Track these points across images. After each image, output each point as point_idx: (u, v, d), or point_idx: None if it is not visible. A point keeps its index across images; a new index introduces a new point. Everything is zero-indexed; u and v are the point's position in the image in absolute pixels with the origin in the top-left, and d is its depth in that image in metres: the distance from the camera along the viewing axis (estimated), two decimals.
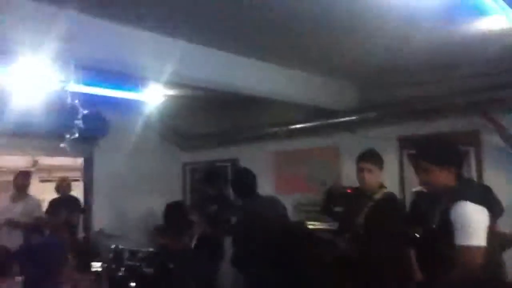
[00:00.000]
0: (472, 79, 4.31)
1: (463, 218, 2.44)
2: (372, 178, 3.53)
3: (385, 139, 4.95)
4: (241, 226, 4.05)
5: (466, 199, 2.46)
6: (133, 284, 4.18)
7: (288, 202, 5.18)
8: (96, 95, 4.87)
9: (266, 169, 5.87)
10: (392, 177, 4.92)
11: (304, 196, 5.63)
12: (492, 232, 2.51)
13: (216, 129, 6.44)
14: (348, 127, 5.27)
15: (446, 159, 2.63)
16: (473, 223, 2.43)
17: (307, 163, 5.73)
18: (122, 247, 4.65)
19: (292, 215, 5.28)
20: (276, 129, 5.74)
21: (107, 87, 4.93)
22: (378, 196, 3.53)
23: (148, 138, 6.40)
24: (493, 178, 4.22)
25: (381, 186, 3.59)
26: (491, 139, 4.43)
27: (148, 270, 4.21)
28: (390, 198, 3.55)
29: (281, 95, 4.67)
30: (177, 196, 6.27)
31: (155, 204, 6.00)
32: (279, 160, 5.95)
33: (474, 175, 4.45)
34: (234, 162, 6.37)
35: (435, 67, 4.41)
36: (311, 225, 5.01)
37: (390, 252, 3.27)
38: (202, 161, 6.44)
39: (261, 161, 6.02)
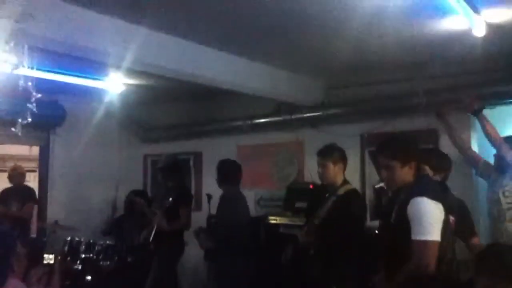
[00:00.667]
0: (434, 79, 4.41)
1: (418, 213, 2.47)
2: (331, 173, 3.55)
3: (348, 136, 5.00)
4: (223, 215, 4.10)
5: (422, 194, 2.50)
6: (89, 277, 4.05)
7: (251, 196, 5.19)
8: (54, 81, 4.68)
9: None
10: (354, 174, 4.98)
11: (267, 191, 5.62)
12: (448, 228, 2.57)
13: (179, 121, 6.33)
14: (312, 122, 5.29)
15: (405, 155, 2.67)
16: (428, 218, 2.46)
17: (271, 158, 5.72)
18: (78, 239, 4.50)
19: (254, 209, 5.27)
20: (240, 122, 5.69)
21: (66, 74, 4.74)
22: (340, 192, 3.55)
23: (108, 128, 6.23)
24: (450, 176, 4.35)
25: (344, 182, 3.61)
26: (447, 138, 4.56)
27: (105, 263, 4.10)
28: (352, 194, 3.58)
29: (246, 88, 4.63)
30: (137, 188, 6.12)
31: (113, 196, 5.87)
32: (243, 154, 5.90)
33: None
34: (196, 155, 6.28)
35: (400, 66, 4.49)
36: (273, 220, 5.01)
37: (347, 248, 3.31)
38: (164, 153, 6.30)
39: (224, 155, 5.95)
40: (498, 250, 2.21)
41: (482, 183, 4.34)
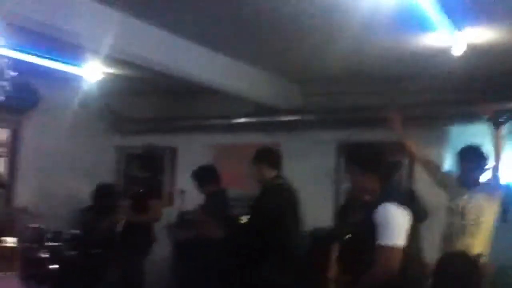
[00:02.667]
0: (410, 94, 4.50)
1: (383, 219, 2.52)
2: (259, 174, 3.81)
3: (323, 143, 5.06)
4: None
5: (388, 201, 2.56)
6: (54, 266, 3.95)
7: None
8: (30, 64, 4.54)
9: (203, 161, 5.78)
10: (326, 179, 5.04)
11: (241, 191, 5.60)
12: (416, 235, 2.62)
13: (156, 114, 6.25)
14: (290, 127, 5.32)
15: (371, 165, 2.74)
16: (393, 223, 2.51)
17: (246, 159, 5.70)
18: (44, 227, 4.38)
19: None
20: (217, 121, 5.67)
21: (42, 57, 4.61)
22: (267, 185, 3.80)
23: (82, 116, 6.08)
24: (422, 188, 4.45)
25: (275, 177, 3.80)
26: (422, 152, 4.64)
27: (71, 253, 4.01)
28: (276, 185, 3.76)
29: (226, 86, 4.61)
30: (107, 180, 6.01)
31: (83, 186, 5.75)
32: (218, 154, 5.88)
33: (404, 184, 4.65)
34: (171, 150, 6.22)
35: (378, 79, 4.56)
36: (244, 219, 5.00)
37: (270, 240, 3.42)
38: (138, 146, 6.21)
39: (199, 153, 5.93)
40: (455, 259, 2.27)
41: None
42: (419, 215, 2.74)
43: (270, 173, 3.78)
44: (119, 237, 4.32)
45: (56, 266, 3.91)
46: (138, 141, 6.11)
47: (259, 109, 5.38)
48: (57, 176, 5.80)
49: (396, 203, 2.56)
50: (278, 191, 3.75)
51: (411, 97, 4.49)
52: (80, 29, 3.28)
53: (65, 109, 5.57)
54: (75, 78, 5.19)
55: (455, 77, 4.18)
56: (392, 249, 2.50)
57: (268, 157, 3.87)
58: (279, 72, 4.79)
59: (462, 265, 2.23)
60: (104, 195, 5.25)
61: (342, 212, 4.02)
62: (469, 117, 4.42)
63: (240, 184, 5.57)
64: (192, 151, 5.89)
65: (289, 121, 5.23)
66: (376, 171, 2.73)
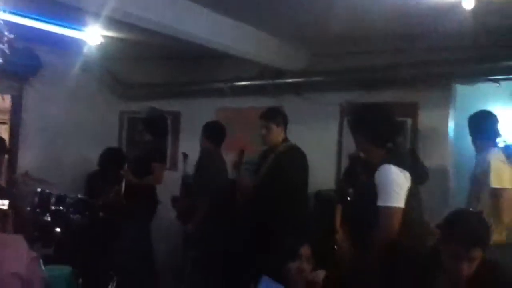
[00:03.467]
0: (420, 53, 4.39)
1: (383, 180, 2.55)
2: (271, 135, 3.79)
3: (328, 104, 4.99)
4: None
5: (388, 162, 2.58)
6: (58, 229, 3.98)
7: (228, 160, 5.16)
8: (30, 28, 4.46)
9: None
10: (330, 142, 5.01)
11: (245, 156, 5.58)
12: (415, 198, 2.62)
13: (159, 79, 6.18)
14: (294, 89, 5.24)
15: (374, 129, 2.72)
16: (392, 184, 2.53)
17: (250, 122, 5.65)
18: (48, 191, 4.40)
19: (230, 174, 5.25)
20: (221, 85, 5.59)
21: (42, 21, 4.52)
22: (280, 149, 3.74)
23: (85, 82, 6.03)
24: (423, 148, 4.43)
25: (284, 140, 3.81)
26: (428, 113, 4.59)
27: (76, 217, 4.04)
28: (290, 149, 3.66)
29: (231, 49, 4.49)
30: (111, 145, 6.00)
31: (87, 151, 5.75)
32: (222, 118, 5.82)
33: (408, 144, 4.61)
34: (175, 115, 6.18)
35: (386, 38, 4.44)
36: None
37: (286, 208, 3.35)
38: (140, 111, 6.17)
39: (203, 117, 5.87)
40: (465, 217, 2.25)
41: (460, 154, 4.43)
42: (420, 176, 2.73)
43: (280, 134, 3.73)
44: (123, 201, 4.32)
45: (60, 229, 3.93)
46: (141, 107, 6.07)
47: (263, 71, 5.29)
48: (61, 142, 5.81)
49: (395, 165, 2.56)
50: (294, 155, 3.70)
51: (419, 55, 4.38)
52: None
53: (67, 75, 5.53)
54: (77, 43, 5.11)
55: (466, 34, 4.04)
56: (390, 209, 2.51)
57: (277, 117, 3.81)
58: (283, 33, 4.68)
59: (472, 219, 2.21)
60: (111, 160, 5.25)
61: (347, 175, 4.01)
62: (479, 76, 4.33)
63: (245, 148, 5.54)
64: (195, 116, 5.84)
65: (293, 82, 5.14)
66: (379, 134, 2.72)
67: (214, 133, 4.44)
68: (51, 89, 5.63)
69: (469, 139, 5.26)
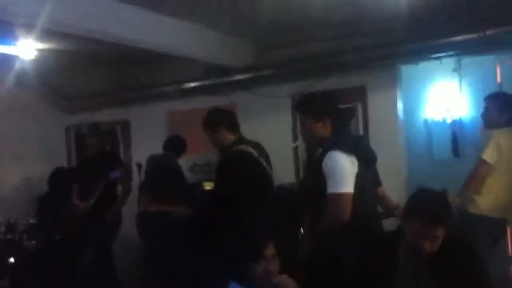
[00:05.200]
0: (362, 37, 4.45)
1: (329, 167, 2.54)
2: (217, 138, 3.47)
3: (279, 97, 4.97)
4: None
5: (335, 148, 2.56)
6: (12, 260, 3.75)
7: (184, 164, 5.05)
8: None
9: (158, 130, 5.61)
10: (285, 135, 5.00)
11: (200, 157, 5.49)
12: (364, 181, 2.62)
13: (103, 88, 5.94)
14: (244, 85, 5.18)
15: (319, 111, 2.71)
16: (338, 171, 2.52)
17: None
18: None
19: (188, 176, 5.14)
20: (169, 88, 5.46)
21: None
22: (225, 153, 3.47)
23: (24, 99, 5.73)
24: (377, 132, 4.50)
25: (237, 141, 3.45)
26: (376, 95, 4.67)
27: (30, 244, 3.82)
28: (234, 153, 3.41)
29: (174, 49, 4.37)
30: (61, 163, 5.75)
31: (35, 172, 5.48)
32: (173, 121, 5.70)
33: (361, 129, 4.68)
34: (124, 124, 5.99)
35: (328, 24, 4.46)
36: (207, 185, 4.92)
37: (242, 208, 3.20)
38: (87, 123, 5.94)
39: (153, 123, 5.73)
40: (427, 195, 2.28)
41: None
42: (367, 159, 2.72)
43: (227, 137, 3.42)
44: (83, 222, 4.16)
45: (14, 259, 3.71)
46: (89, 119, 5.84)
47: (209, 70, 5.19)
48: (5, 163, 5.49)
49: (342, 150, 2.55)
50: (237, 158, 3.47)
51: (362, 40, 4.43)
52: (7, 4, 2.98)
53: (3, 93, 5.22)
54: (10, 59, 4.82)
55: (405, 15, 4.12)
56: (338, 196, 2.50)
57: (223, 119, 3.48)
58: (227, 29, 4.60)
59: (434, 198, 2.24)
60: (62, 179, 5.02)
61: (306, 165, 3.99)
62: (423, 55, 4.43)
63: (198, 149, 5.45)
64: (146, 122, 5.69)
65: (242, 78, 5.08)
66: (326, 117, 2.70)
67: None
68: None
69: (418, 117, 5.44)
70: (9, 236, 3.97)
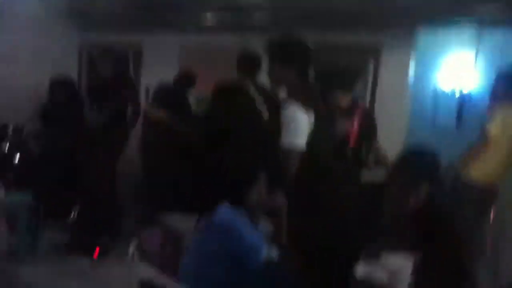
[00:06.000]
0: None
1: (286, 120, 2.48)
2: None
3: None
4: None
5: (289, 101, 2.51)
6: (17, 161, 3.88)
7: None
8: None
9: (171, 62, 5.63)
10: None
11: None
12: (320, 134, 2.57)
13: (120, 10, 5.89)
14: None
15: (286, 58, 2.61)
16: (294, 124, 2.47)
17: (214, 60, 5.56)
18: (4, 122, 4.26)
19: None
20: (185, 20, 5.42)
21: None
22: None
23: (41, 14, 5.71)
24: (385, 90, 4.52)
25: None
26: (390, 56, 4.65)
27: (35, 147, 3.94)
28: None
29: None
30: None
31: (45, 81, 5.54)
32: (187, 55, 5.71)
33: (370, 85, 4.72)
34: (136, 51, 6.00)
35: None
36: None
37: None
38: (100, 44, 5.94)
39: (166, 54, 5.74)
40: (416, 152, 2.34)
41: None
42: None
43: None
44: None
45: (19, 161, 3.82)
46: (103, 39, 5.84)
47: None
48: (17, 70, 5.56)
49: (300, 102, 2.47)
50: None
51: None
52: None
53: (24, 6, 5.21)
54: None
55: None
56: (294, 149, 2.46)
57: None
58: None
59: (423, 155, 2.30)
60: (62, 90, 5.04)
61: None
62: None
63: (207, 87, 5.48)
64: (158, 51, 5.71)
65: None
66: (291, 64, 2.59)
67: None
68: (5, 21, 5.28)
69: (428, 84, 5.42)
70: (15, 139, 4.08)
